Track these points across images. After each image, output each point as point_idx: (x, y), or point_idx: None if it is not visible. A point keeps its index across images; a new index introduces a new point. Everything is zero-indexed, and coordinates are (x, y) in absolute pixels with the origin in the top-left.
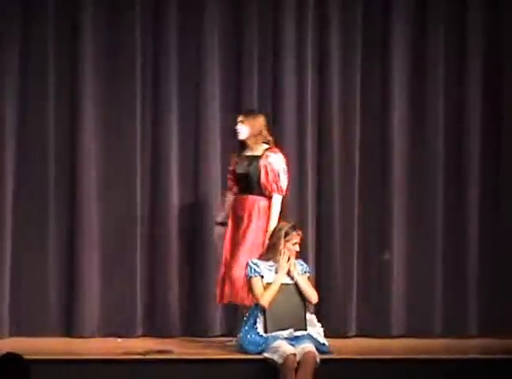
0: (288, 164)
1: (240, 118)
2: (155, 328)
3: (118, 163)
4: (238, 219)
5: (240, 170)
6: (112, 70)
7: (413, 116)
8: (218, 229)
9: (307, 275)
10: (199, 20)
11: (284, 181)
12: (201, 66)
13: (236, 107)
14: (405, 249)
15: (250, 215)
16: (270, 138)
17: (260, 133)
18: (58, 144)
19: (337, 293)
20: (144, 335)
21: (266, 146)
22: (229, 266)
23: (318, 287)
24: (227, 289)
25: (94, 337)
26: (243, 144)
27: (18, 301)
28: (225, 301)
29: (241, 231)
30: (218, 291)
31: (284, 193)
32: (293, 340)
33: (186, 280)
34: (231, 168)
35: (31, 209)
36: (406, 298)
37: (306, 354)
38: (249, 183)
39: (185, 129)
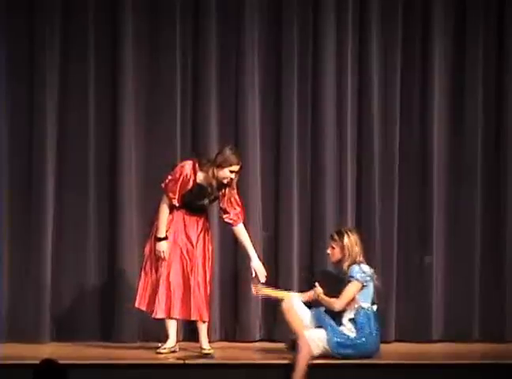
0: (324, 165)
1: None
2: (194, 333)
3: (159, 167)
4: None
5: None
6: (152, 77)
7: (453, 117)
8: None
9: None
10: (238, 25)
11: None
12: (240, 67)
13: (277, 109)
14: (444, 250)
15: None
16: None
17: None
18: (98, 152)
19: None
20: (185, 340)
21: None
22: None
23: None
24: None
25: (134, 342)
26: None
27: (59, 306)
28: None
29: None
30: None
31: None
32: None
33: (228, 284)
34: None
35: (71, 212)
36: (445, 301)
37: None
38: None
39: (224, 136)
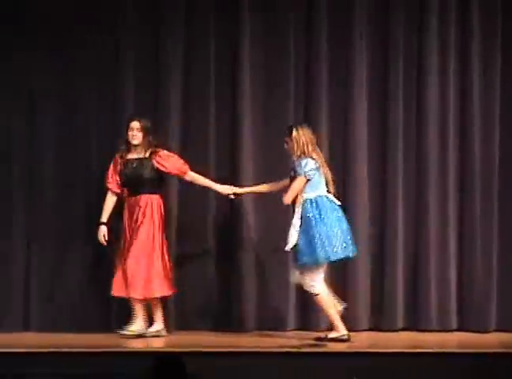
0: (425, 165)
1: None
2: (307, 323)
3: (277, 161)
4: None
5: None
6: (269, 76)
7: None
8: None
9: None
10: (347, 31)
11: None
12: (350, 67)
13: (383, 102)
14: None
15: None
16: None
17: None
18: (218, 149)
19: (478, 291)
20: (297, 329)
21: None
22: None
23: (459, 285)
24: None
25: (251, 331)
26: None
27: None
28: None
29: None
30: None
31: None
32: None
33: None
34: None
35: (192, 220)
36: None
37: None
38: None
39: (334, 135)
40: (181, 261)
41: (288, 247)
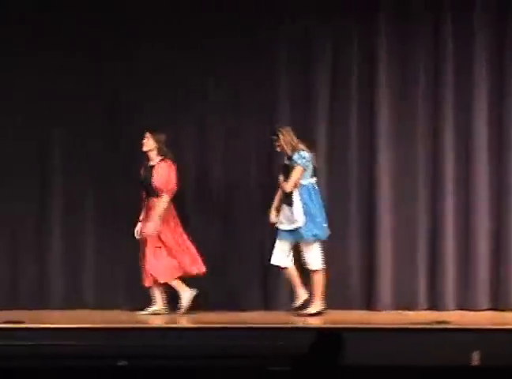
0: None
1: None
2: (435, 302)
3: (408, 172)
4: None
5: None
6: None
7: None
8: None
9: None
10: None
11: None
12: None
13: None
14: None
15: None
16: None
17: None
18: (360, 160)
19: None
20: (427, 308)
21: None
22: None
23: None
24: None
25: (387, 310)
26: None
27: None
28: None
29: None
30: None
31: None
32: None
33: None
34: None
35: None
36: None
37: None
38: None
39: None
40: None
41: (298, 224)
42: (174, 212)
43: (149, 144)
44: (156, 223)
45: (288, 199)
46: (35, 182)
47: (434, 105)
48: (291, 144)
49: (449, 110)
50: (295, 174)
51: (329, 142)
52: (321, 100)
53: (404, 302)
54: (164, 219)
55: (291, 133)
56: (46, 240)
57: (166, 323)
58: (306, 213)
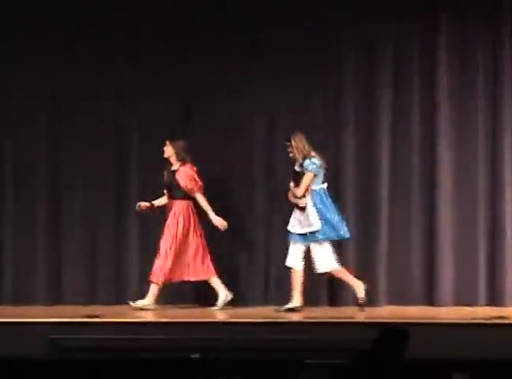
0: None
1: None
2: (495, 298)
3: (468, 171)
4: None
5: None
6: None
7: None
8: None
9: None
10: None
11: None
12: None
13: None
14: None
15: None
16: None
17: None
18: (421, 159)
19: None
20: (487, 304)
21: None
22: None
23: None
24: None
25: (447, 305)
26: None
27: (392, 275)
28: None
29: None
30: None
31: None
32: None
33: None
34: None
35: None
36: None
37: None
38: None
39: None
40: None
41: (314, 228)
42: (196, 218)
43: (168, 150)
44: (215, 219)
45: (299, 204)
46: (112, 184)
47: (493, 104)
48: (303, 151)
49: (508, 110)
50: (306, 179)
51: (391, 141)
52: (383, 100)
53: (465, 298)
54: (185, 225)
55: (304, 140)
56: (122, 240)
57: (231, 317)
58: (321, 217)
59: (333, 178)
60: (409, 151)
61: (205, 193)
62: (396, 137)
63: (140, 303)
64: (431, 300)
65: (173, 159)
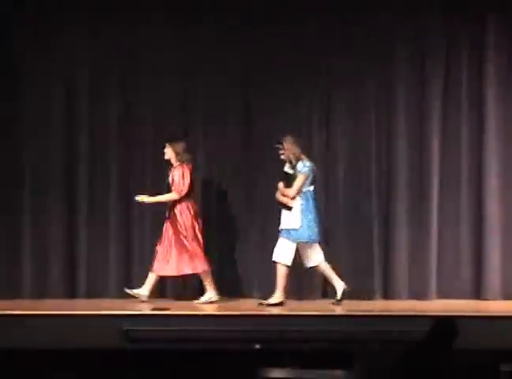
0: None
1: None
2: None
3: None
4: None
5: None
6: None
7: None
8: None
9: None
10: None
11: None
12: None
13: None
14: None
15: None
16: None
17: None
18: (469, 157)
19: None
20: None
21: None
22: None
23: None
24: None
25: (496, 299)
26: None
27: (442, 270)
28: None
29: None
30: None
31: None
32: None
33: None
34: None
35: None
36: None
37: None
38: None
39: None
40: None
41: (294, 226)
42: (194, 214)
43: (168, 152)
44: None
45: (286, 204)
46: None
47: None
48: (295, 153)
49: None
50: (299, 181)
51: (440, 138)
52: (434, 100)
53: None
54: (178, 218)
55: (295, 144)
56: None
57: (291, 310)
58: (303, 218)
59: (384, 173)
60: (458, 148)
61: (190, 196)
62: (445, 134)
63: (135, 291)
64: (479, 294)
65: (173, 161)
